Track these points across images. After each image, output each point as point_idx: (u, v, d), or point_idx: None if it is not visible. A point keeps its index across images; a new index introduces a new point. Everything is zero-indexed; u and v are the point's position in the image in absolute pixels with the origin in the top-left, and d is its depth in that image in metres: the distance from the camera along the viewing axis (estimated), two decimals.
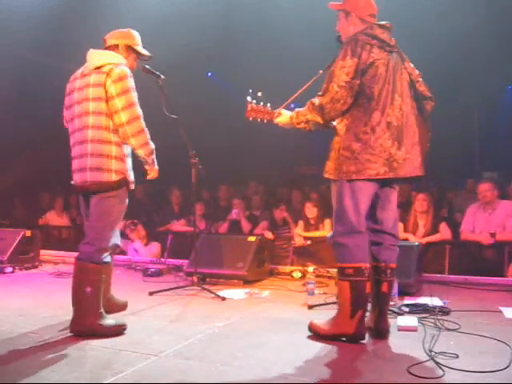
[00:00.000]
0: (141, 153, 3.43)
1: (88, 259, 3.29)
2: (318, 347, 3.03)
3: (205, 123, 9.54)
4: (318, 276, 4.93)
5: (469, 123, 10.49)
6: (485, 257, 5.44)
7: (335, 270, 4.75)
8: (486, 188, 5.63)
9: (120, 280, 5.11)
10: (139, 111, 3.37)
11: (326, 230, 6.05)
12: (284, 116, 3.30)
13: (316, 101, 3.08)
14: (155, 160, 3.56)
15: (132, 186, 3.51)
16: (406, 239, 5.56)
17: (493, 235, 5.32)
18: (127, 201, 3.54)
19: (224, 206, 7.75)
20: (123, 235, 6.63)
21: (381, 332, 3.19)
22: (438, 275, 5.06)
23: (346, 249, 3.07)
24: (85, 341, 3.14)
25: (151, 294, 4.36)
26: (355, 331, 3.05)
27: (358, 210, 3.08)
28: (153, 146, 3.51)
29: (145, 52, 3.63)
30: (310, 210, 6.26)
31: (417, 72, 3.31)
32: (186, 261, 5.23)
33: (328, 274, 5.04)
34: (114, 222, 3.43)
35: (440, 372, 2.61)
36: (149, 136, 3.46)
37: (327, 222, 6.16)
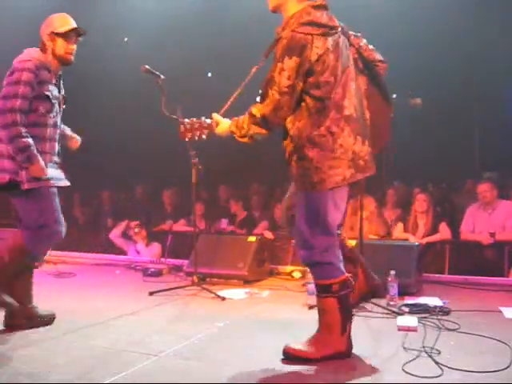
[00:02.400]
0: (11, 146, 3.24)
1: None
2: None
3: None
4: None
5: (469, 123, 10.48)
6: (485, 257, 5.44)
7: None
8: (486, 188, 5.63)
9: (120, 280, 5.13)
10: (16, 103, 3.18)
11: None
12: (223, 125, 2.90)
13: (256, 112, 2.70)
14: (32, 157, 3.23)
15: (47, 183, 3.33)
16: (406, 239, 5.56)
17: (492, 235, 5.32)
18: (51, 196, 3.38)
19: (224, 206, 7.76)
20: (126, 236, 6.66)
21: (379, 290, 3.08)
22: (438, 275, 5.05)
23: (329, 266, 2.76)
24: (85, 341, 3.14)
25: (151, 294, 4.35)
26: (347, 348, 2.81)
27: (333, 221, 2.74)
28: (25, 141, 3.21)
29: (68, 27, 3.40)
30: None
31: (357, 35, 2.93)
32: (186, 261, 5.23)
33: None
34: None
35: (440, 372, 2.61)
36: (21, 130, 3.20)
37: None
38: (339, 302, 2.77)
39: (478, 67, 8.79)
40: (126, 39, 9.58)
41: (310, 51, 2.58)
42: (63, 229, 3.44)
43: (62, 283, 4.95)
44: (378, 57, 2.97)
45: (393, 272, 3.95)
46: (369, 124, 2.84)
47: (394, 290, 3.91)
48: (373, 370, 2.68)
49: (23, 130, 3.21)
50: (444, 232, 5.70)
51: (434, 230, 5.74)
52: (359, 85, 2.82)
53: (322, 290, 2.80)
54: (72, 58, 3.44)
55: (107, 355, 2.88)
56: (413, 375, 2.58)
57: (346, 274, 2.81)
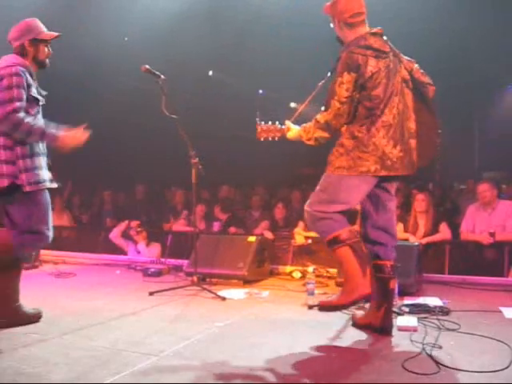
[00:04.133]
0: (30, 140, 3.32)
1: None
2: (318, 347, 3.03)
3: (205, 123, 9.55)
4: (317, 276, 4.93)
5: (469, 123, 10.49)
6: (485, 257, 5.44)
7: (335, 270, 4.80)
8: (486, 188, 5.63)
9: (120, 280, 5.13)
10: (16, 105, 3.21)
11: None
12: (293, 131, 3.39)
13: (321, 119, 3.17)
14: (53, 135, 3.33)
15: (40, 186, 3.35)
16: (406, 239, 5.56)
17: (492, 235, 5.32)
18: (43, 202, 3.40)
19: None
20: (126, 236, 6.66)
21: (387, 329, 3.23)
22: (438, 275, 5.05)
23: (331, 220, 3.14)
24: (85, 341, 3.14)
25: (151, 293, 4.35)
26: (370, 290, 3.12)
27: (347, 202, 3.16)
28: (36, 128, 3.28)
29: (51, 34, 3.50)
30: None
31: (411, 60, 3.35)
32: (186, 261, 5.23)
33: (328, 274, 5.03)
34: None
35: (440, 372, 2.62)
36: (29, 124, 3.25)
37: None
38: (352, 249, 3.11)
39: (479, 67, 8.79)
40: (125, 39, 9.59)
41: (365, 69, 3.07)
42: (51, 233, 3.46)
43: (62, 283, 4.95)
44: (427, 80, 3.37)
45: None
46: (414, 134, 3.25)
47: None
48: (373, 370, 2.68)
49: (30, 121, 3.24)
50: (444, 232, 5.70)
51: (434, 229, 5.73)
52: (407, 100, 3.24)
53: (332, 243, 3.14)
54: (48, 60, 3.55)
55: (107, 355, 2.88)
56: (413, 375, 2.58)
57: (351, 226, 3.21)
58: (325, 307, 3.30)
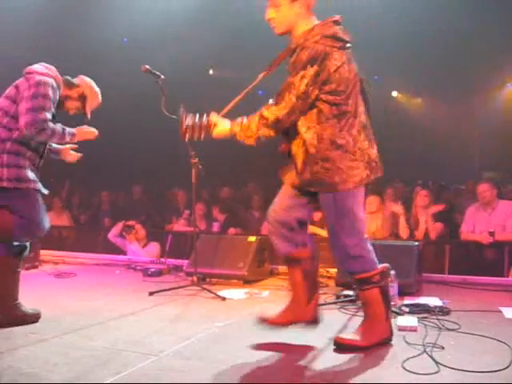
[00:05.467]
0: (52, 141, 3.52)
1: None
2: (318, 347, 3.03)
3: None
4: None
5: (469, 123, 10.49)
6: (485, 257, 5.45)
7: (335, 270, 4.79)
8: (485, 188, 5.64)
9: (120, 280, 5.13)
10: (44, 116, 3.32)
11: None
12: (222, 126, 2.95)
13: (269, 115, 2.83)
14: (68, 132, 3.51)
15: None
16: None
17: (492, 234, 5.32)
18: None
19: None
20: (122, 236, 6.65)
21: (317, 321, 3.19)
22: (438, 275, 5.05)
23: (365, 258, 2.98)
24: (85, 341, 3.14)
25: (151, 293, 4.35)
26: (391, 332, 3.07)
27: (360, 218, 2.96)
28: (54, 129, 3.39)
29: (90, 108, 3.74)
30: (315, 213, 6.35)
31: None
32: (186, 261, 5.23)
33: (328, 274, 5.03)
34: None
35: (440, 372, 2.62)
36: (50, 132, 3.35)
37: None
38: (381, 292, 3.00)
39: (479, 67, 8.79)
40: (125, 39, 9.60)
41: (330, 62, 2.77)
42: (47, 224, 3.50)
43: (62, 283, 4.95)
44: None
45: (393, 272, 3.94)
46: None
47: (393, 290, 3.91)
48: (373, 370, 2.68)
49: (52, 126, 3.35)
50: (434, 231, 5.78)
51: (435, 226, 5.80)
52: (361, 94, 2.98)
53: (364, 283, 3.00)
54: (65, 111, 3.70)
55: (107, 355, 2.88)
56: (413, 375, 2.58)
57: (383, 265, 3.07)
58: (344, 346, 2.98)
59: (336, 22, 2.89)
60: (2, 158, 3.31)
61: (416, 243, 4.75)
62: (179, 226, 7.19)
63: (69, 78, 3.65)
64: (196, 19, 8.15)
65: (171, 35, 8.27)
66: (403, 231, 5.99)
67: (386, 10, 7.67)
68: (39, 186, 3.46)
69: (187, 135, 2.95)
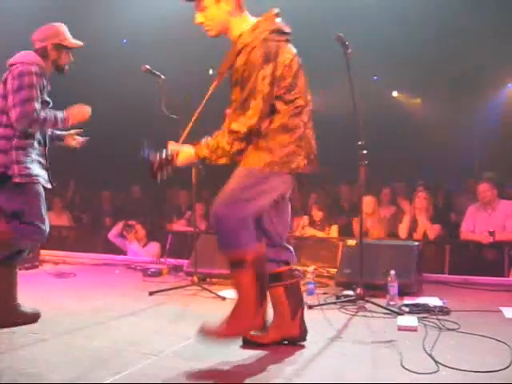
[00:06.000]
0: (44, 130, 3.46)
1: None
2: (318, 347, 3.03)
3: (205, 123, 9.53)
4: (317, 276, 4.92)
5: (469, 123, 10.48)
6: (485, 257, 5.45)
7: (335, 269, 4.80)
8: (486, 188, 5.63)
9: (120, 280, 5.13)
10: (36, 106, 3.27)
11: (331, 234, 6.18)
12: (185, 154, 2.79)
13: (240, 127, 2.66)
14: (60, 118, 3.42)
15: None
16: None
17: (492, 234, 5.33)
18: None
19: None
20: (122, 236, 6.65)
21: (305, 336, 3.03)
22: (438, 275, 5.05)
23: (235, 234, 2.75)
24: (85, 341, 3.14)
25: (151, 293, 4.35)
26: (300, 332, 2.99)
27: (262, 204, 2.76)
28: (46, 116, 3.34)
29: (75, 43, 3.54)
30: (316, 213, 6.38)
31: None
32: (186, 261, 5.23)
33: (328, 274, 5.03)
34: None
35: (440, 371, 2.62)
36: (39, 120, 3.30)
37: (334, 227, 6.25)
38: (255, 276, 2.73)
39: (479, 66, 8.79)
40: (124, 40, 9.60)
41: (283, 57, 2.68)
42: (47, 228, 3.47)
43: (62, 283, 4.95)
44: None
45: (393, 272, 3.95)
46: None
47: (394, 289, 3.92)
48: (373, 370, 2.68)
49: (43, 114, 3.30)
50: (432, 232, 5.79)
51: (433, 228, 5.80)
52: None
53: (234, 265, 2.77)
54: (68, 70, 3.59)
55: (107, 355, 2.88)
56: (413, 375, 2.58)
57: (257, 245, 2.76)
58: (245, 340, 2.95)
59: (277, 16, 2.80)
60: (11, 155, 3.32)
61: (416, 243, 4.75)
62: (179, 225, 7.19)
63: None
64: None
65: (171, 35, 8.26)
66: (403, 231, 6.00)
67: (386, 9, 7.66)
68: (43, 181, 3.45)
69: (158, 175, 2.77)
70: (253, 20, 2.83)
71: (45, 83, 3.40)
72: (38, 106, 3.29)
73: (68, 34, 3.55)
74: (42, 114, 3.31)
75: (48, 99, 3.45)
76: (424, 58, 8.88)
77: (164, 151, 2.79)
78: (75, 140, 3.82)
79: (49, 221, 3.54)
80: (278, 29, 2.73)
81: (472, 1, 7.62)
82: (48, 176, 3.53)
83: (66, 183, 8.84)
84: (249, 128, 2.67)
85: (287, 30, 2.79)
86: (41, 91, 3.34)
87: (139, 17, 8.24)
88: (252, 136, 2.72)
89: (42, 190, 3.44)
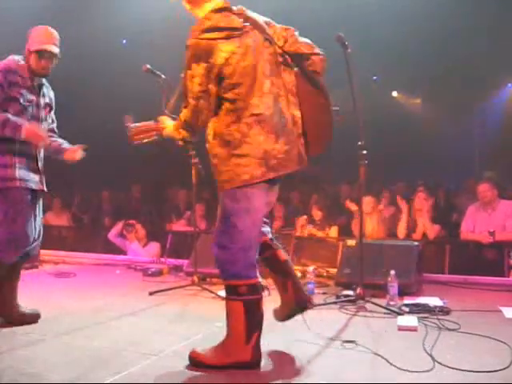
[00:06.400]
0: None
1: None
2: (319, 347, 3.03)
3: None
4: (317, 276, 4.92)
5: (469, 122, 10.48)
6: (485, 257, 5.45)
7: (335, 269, 4.80)
8: (486, 188, 5.63)
9: (120, 280, 5.13)
10: None
11: (330, 234, 6.19)
12: (169, 127, 2.85)
13: (181, 116, 2.72)
14: (16, 124, 3.27)
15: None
16: None
17: (492, 234, 5.32)
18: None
19: None
20: (122, 235, 6.66)
21: (304, 303, 2.95)
22: (438, 275, 5.05)
23: (238, 264, 2.73)
24: (85, 341, 3.14)
25: (151, 293, 4.35)
26: (253, 357, 2.69)
27: (252, 222, 2.70)
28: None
29: (40, 47, 3.40)
30: (316, 213, 6.39)
31: (288, 28, 2.84)
32: (186, 261, 5.23)
33: (328, 274, 5.03)
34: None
35: (440, 372, 2.62)
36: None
37: (334, 228, 6.26)
38: (244, 307, 2.67)
39: (479, 66, 8.79)
40: (124, 41, 9.60)
41: (216, 56, 2.58)
42: (29, 240, 3.36)
43: (62, 283, 4.95)
44: (310, 50, 2.81)
45: (393, 272, 3.95)
46: (299, 121, 2.77)
47: (394, 289, 3.92)
48: (373, 370, 2.68)
49: None
50: (432, 232, 5.80)
51: (433, 228, 5.80)
52: (280, 82, 2.74)
53: (228, 291, 2.75)
54: (46, 72, 3.47)
55: (107, 355, 2.88)
56: (413, 374, 2.58)
57: (257, 279, 2.72)
58: (192, 360, 2.74)
59: (219, 10, 2.65)
60: None
61: (416, 243, 4.75)
62: (179, 225, 7.19)
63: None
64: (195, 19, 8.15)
65: (171, 36, 8.26)
66: (401, 231, 6.00)
67: (386, 9, 7.66)
68: (29, 184, 3.35)
69: (135, 138, 2.91)
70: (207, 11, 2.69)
71: (12, 80, 3.30)
72: None
73: (42, 39, 3.42)
74: None
75: (17, 96, 3.31)
76: (424, 58, 8.88)
77: (151, 121, 2.93)
78: (78, 154, 3.62)
79: (38, 225, 3.47)
80: (213, 26, 2.60)
81: (472, 1, 7.61)
82: (40, 178, 3.46)
83: (68, 185, 8.85)
84: (185, 121, 2.70)
85: (229, 24, 2.62)
86: (2, 87, 3.26)
87: (139, 17, 8.24)
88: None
89: (26, 196, 3.33)
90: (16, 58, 3.43)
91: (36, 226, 3.46)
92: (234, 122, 2.64)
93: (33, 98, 3.42)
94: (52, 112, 3.65)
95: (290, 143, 2.70)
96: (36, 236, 3.47)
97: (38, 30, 3.47)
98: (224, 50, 2.58)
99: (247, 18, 2.70)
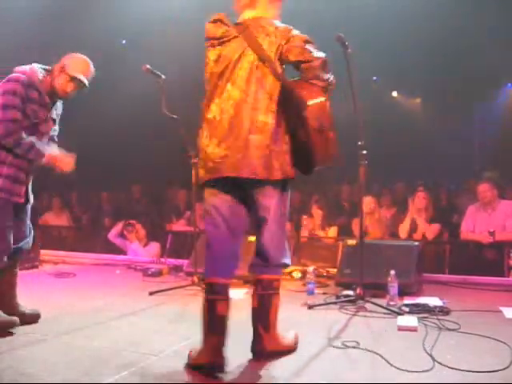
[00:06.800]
0: (16, 152, 3.26)
1: None
2: (319, 347, 3.03)
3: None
4: (317, 276, 4.92)
5: (469, 122, 10.49)
6: (485, 257, 5.45)
7: (335, 270, 4.80)
8: (486, 188, 5.63)
9: (120, 280, 5.13)
10: (16, 115, 3.21)
11: (329, 234, 6.20)
12: None
13: None
14: (40, 151, 3.32)
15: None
16: None
17: (492, 234, 5.32)
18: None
19: None
20: (122, 236, 6.66)
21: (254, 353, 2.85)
22: (438, 275, 5.05)
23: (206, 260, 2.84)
24: (85, 341, 3.14)
25: (151, 293, 4.36)
26: (209, 360, 2.65)
27: (206, 220, 2.84)
28: (27, 142, 3.26)
29: (77, 75, 3.44)
30: (316, 213, 6.40)
31: (288, 29, 2.77)
32: (186, 261, 5.23)
33: (328, 274, 5.03)
34: None
35: (440, 372, 2.62)
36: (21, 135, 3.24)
37: (334, 228, 6.27)
38: (206, 304, 2.76)
39: (479, 66, 8.79)
40: (123, 41, 9.60)
41: (207, 61, 2.85)
42: (11, 244, 3.30)
43: (62, 283, 4.95)
44: (295, 57, 2.71)
45: (393, 272, 3.95)
46: (264, 129, 2.69)
47: (394, 289, 3.92)
48: (373, 370, 2.68)
49: (24, 135, 3.24)
50: (431, 232, 5.81)
51: (432, 228, 5.80)
52: (253, 88, 2.71)
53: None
54: (66, 97, 3.49)
55: (107, 355, 2.88)
56: (412, 374, 2.58)
57: (216, 278, 2.79)
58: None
59: (214, 21, 2.86)
60: None
61: (416, 243, 4.75)
62: (179, 225, 7.19)
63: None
64: (196, 19, 8.14)
65: (170, 36, 8.27)
66: (404, 231, 6.00)
67: (386, 9, 7.66)
68: (8, 195, 3.27)
69: None
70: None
71: (30, 96, 3.28)
72: (19, 115, 3.21)
73: (80, 68, 3.48)
74: (20, 133, 3.20)
75: (29, 112, 3.29)
76: (424, 58, 8.89)
77: None
78: (70, 165, 3.52)
79: (26, 225, 3.45)
80: (206, 37, 2.88)
81: (472, 1, 7.61)
82: (26, 190, 3.40)
83: (68, 185, 8.84)
84: None
85: (214, 34, 2.84)
86: (23, 101, 3.24)
87: (139, 17, 8.24)
88: None
89: (8, 206, 3.27)
90: (39, 70, 3.41)
91: (23, 227, 3.43)
92: (201, 124, 2.84)
93: (45, 114, 3.41)
94: (57, 124, 3.61)
95: (234, 149, 2.68)
96: (27, 233, 3.47)
97: (80, 58, 3.53)
98: (207, 56, 2.85)
99: (233, 27, 2.82)
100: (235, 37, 2.78)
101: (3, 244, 3.29)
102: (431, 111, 10.64)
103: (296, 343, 2.99)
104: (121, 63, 8.38)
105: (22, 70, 3.36)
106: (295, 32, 2.76)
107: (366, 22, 7.66)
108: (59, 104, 3.58)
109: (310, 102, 2.67)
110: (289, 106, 2.73)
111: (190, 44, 8.23)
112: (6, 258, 3.32)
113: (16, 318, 3.31)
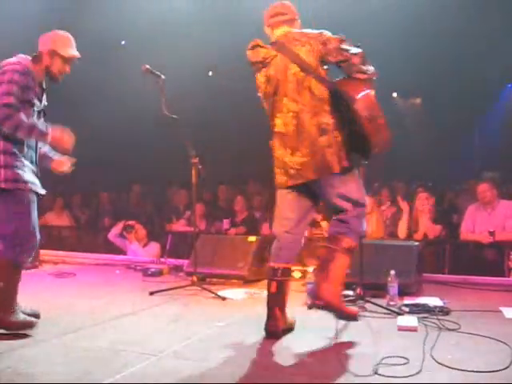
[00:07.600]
0: (19, 135, 3.22)
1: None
2: (319, 347, 3.03)
3: (206, 123, 9.55)
4: None
5: (469, 122, 10.49)
6: (485, 257, 5.45)
7: None
8: (486, 188, 5.64)
9: (120, 280, 5.13)
10: (10, 100, 3.12)
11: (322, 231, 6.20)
12: None
13: None
14: (43, 131, 3.26)
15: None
16: None
17: (492, 234, 5.33)
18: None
19: (223, 206, 7.77)
20: (122, 236, 6.66)
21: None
22: (438, 275, 5.05)
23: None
24: (85, 341, 3.14)
25: (151, 293, 4.35)
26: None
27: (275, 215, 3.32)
28: (29, 123, 3.20)
29: (73, 54, 3.42)
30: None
31: (321, 34, 3.08)
32: (186, 261, 5.23)
33: None
34: None
35: (440, 372, 2.62)
36: (21, 118, 3.16)
37: (324, 223, 6.26)
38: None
39: (479, 66, 8.79)
40: (123, 42, 9.60)
41: (258, 84, 3.21)
42: (36, 239, 3.33)
43: (62, 283, 4.95)
44: (343, 56, 3.01)
45: (393, 272, 3.95)
46: (329, 129, 3.04)
47: (394, 290, 3.92)
48: (372, 370, 2.68)
49: (23, 117, 3.17)
50: (431, 231, 5.82)
51: (434, 228, 5.80)
52: (305, 96, 3.05)
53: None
54: (62, 77, 3.47)
55: (107, 355, 2.88)
56: (413, 374, 2.58)
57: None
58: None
59: (252, 47, 3.21)
60: None
61: (416, 243, 4.75)
62: (179, 226, 7.19)
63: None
64: (195, 19, 8.16)
65: (170, 36, 8.27)
66: (402, 231, 6.00)
67: (386, 9, 7.66)
68: (36, 187, 3.32)
69: None
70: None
71: (28, 84, 3.25)
72: (14, 100, 3.13)
73: (69, 44, 3.43)
74: (19, 115, 3.14)
75: (31, 100, 3.28)
76: (424, 58, 8.89)
77: None
78: (66, 166, 3.58)
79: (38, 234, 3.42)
80: (248, 62, 3.25)
81: (472, 1, 7.62)
82: (40, 183, 3.40)
83: (68, 185, 8.84)
84: None
85: (256, 60, 3.20)
86: (22, 89, 3.20)
87: (138, 17, 8.25)
88: None
89: (32, 197, 3.29)
90: (27, 59, 3.36)
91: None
92: (271, 137, 3.22)
93: (38, 103, 3.39)
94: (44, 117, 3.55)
95: (311, 154, 3.05)
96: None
97: (61, 35, 3.45)
98: (257, 79, 3.20)
99: (271, 47, 3.16)
100: (275, 56, 3.12)
101: (34, 239, 3.31)
102: (431, 111, 10.65)
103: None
104: (120, 64, 8.39)
105: (16, 61, 3.31)
106: (327, 33, 3.07)
107: (366, 22, 7.66)
108: (45, 96, 3.54)
109: (358, 96, 2.96)
110: (340, 103, 3.01)
111: (190, 44, 8.28)
112: (32, 254, 3.34)
113: (34, 319, 3.31)
